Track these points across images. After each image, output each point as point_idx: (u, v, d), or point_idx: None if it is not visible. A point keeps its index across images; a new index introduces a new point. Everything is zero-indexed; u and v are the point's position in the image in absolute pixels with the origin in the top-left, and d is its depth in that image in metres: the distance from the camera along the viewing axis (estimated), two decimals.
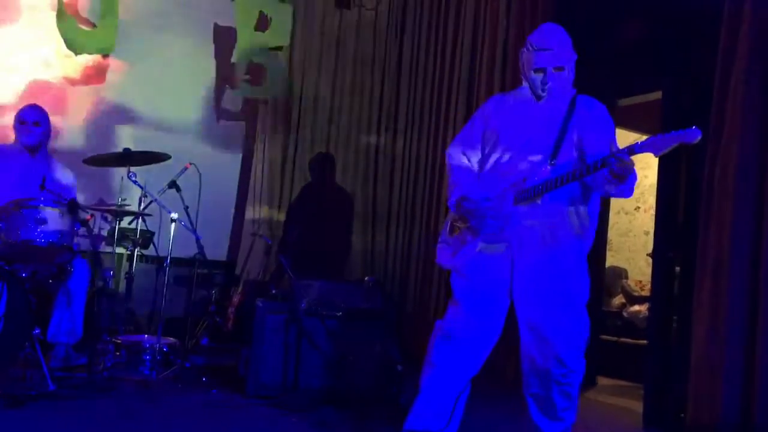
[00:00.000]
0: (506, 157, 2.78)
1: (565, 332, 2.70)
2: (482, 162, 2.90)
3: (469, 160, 2.95)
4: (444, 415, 2.75)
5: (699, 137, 2.32)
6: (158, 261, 5.38)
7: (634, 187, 2.62)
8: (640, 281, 6.81)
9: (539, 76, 2.75)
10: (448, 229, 2.94)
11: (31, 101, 4.37)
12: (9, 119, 4.51)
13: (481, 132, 2.93)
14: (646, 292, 6.47)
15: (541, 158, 2.71)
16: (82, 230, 3.75)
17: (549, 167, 2.66)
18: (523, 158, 2.74)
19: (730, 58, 3.61)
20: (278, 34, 6.21)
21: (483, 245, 2.77)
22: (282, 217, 6.29)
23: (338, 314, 3.81)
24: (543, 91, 2.76)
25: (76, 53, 5.33)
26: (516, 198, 2.70)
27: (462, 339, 2.77)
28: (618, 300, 6.70)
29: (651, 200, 7.15)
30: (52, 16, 5.23)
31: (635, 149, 2.41)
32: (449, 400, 2.78)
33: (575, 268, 2.76)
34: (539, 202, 2.65)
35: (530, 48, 2.78)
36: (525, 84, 2.86)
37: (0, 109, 5.11)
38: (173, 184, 4.25)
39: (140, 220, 4.43)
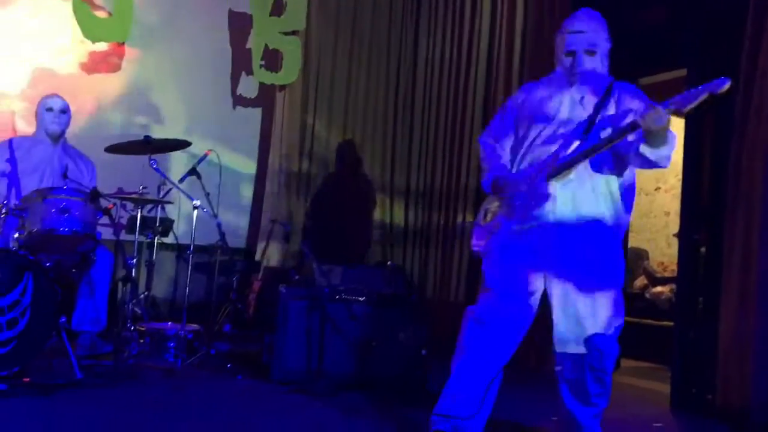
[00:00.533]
0: (539, 140, 2.75)
1: (600, 317, 2.65)
2: (516, 148, 2.87)
3: (502, 147, 2.94)
4: (475, 401, 2.70)
5: (728, 85, 2.29)
6: (179, 248, 5.41)
7: (671, 155, 2.56)
8: (662, 262, 6.75)
9: (569, 59, 2.74)
10: (482, 215, 2.90)
11: (47, 90, 4.37)
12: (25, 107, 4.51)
13: (512, 119, 2.91)
14: (668, 273, 6.43)
15: (573, 137, 2.68)
16: (104, 218, 3.74)
17: (580, 142, 2.64)
18: (556, 140, 2.71)
19: (758, 33, 3.53)
20: (294, 19, 6.18)
21: (517, 227, 2.73)
22: (300, 202, 6.27)
23: (361, 299, 3.80)
24: (573, 74, 2.74)
25: (92, 41, 5.32)
26: (548, 175, 2.66)
27: (494, 325, 2.72)
28: (640, 281, 6.65)
29: (671, 180, 7.07)
30: (68, 4, 5.22)
31: (666, 105, 2.37)
32: (480, 386, 2.72)
33: (611, 250, 2.70)
34: (572, 177, 2.63)
35: (563, 31, 2.78)
36: (558, 68, 2.82)
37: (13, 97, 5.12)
38: (194, 171, 4.24)
39: (160, 208, 4.44)
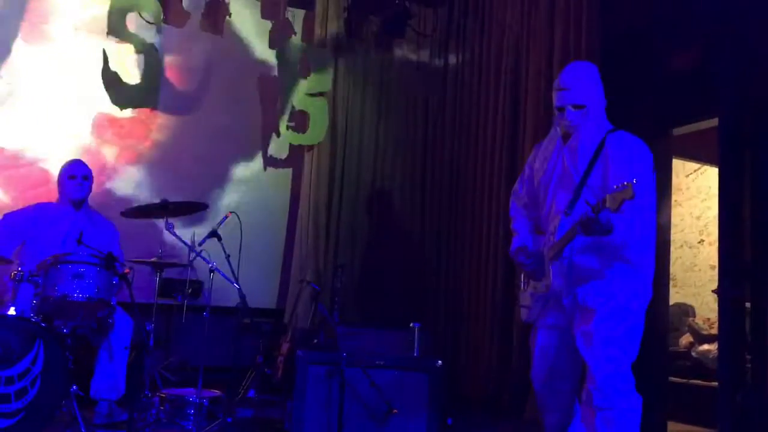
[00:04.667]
0: (546, 207, 2.93)
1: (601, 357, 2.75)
2: (539, 208, 3.02)
3: (525, 206, 3.11)
4: None
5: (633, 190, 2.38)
6: (204, 311, 5.35)
7: (615, 232, 2.64)
8: (709, 318, 6.43)
9: (561, 114, 2.84)
10: (522, 286, 3.09)
11: (81, 153, 4.42)
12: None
13: (529, 180, 3.08)
14: (715, 330, 6.09)
15: (562, 210, 2.82)
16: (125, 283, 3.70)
17: (565, 219, 2.76)
18: (556, 208, 2.85)
19: None
20: (320, 80, 6.23)
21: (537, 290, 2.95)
22: (329, 263, 6.19)
23: (381, 363, 3.64)
24: (566, 128, 2.84)
25: (121, 108, 5.43)
26: (548, 254, 2.85)
27: (543, 392, 2.97)
28: (685, 339, 6.32)
29: (716, 232, 6.78)
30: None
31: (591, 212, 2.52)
32: None
33: (614, 307, 2.77)
34: (564, 255, 2.78)
35: (554, 88, 2.89)
36: (555, 124, 2.95)
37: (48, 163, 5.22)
38: (214, 234, 4.20)
39: (190, 270, 4.40)
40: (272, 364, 5.43)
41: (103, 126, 5.53)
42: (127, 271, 3.56)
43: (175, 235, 3.81)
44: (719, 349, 4.29)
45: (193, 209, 4.06)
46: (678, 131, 5.11)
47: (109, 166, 5.53)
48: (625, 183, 2.41)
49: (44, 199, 4.48)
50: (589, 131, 2.81)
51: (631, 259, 2.76)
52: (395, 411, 3.53)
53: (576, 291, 2.82)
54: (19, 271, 3.32)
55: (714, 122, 4.48)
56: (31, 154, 5.25)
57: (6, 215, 4.14)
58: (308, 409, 3.63)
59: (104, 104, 5.45)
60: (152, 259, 3.96)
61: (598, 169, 2.77)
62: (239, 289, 4.01)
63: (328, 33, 6.33)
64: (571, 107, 2.80)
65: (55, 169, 4.85)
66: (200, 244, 4.04)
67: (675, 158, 5.64)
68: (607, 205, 2.46)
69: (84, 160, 4.51)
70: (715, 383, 5.07)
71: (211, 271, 3.89)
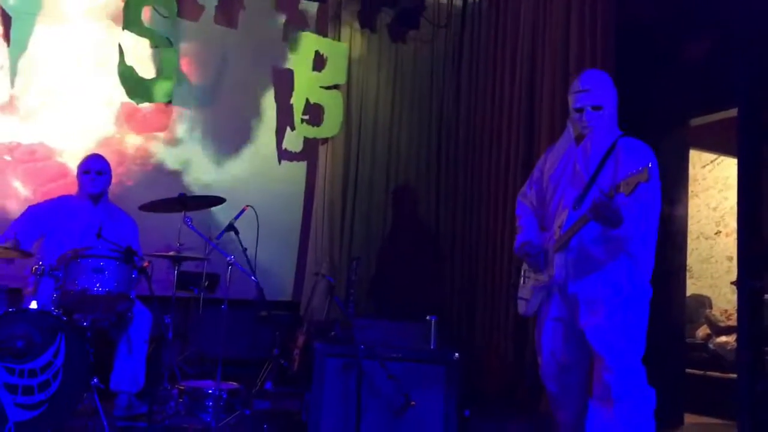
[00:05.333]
0: (553, 205, 3.05)
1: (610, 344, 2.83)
2: (546, 207, 3.13)
3: (532, 206, 3.24)
4: None
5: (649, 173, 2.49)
6: (222, 304, 5.38)
7: (631, 234, 2.77)
8: (726, 310, 6.40)
9: (578, 115, 2.99)
10: (521, 281, 3.21)
11: (99, 147, 4.45)
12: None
13: (538, 181, 3.21)
14: (732, 322, 6.06)
15: (570, 204, 2.94)
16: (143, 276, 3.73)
17: (573, 213, 2.88)
18: (564, 204, 2.97)
19: None
20: (334, 73, 6.22)
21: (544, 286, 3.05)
22: (344, 255, 6.20)
23: (398, 356, 3.66)
24: (583, 129, 2.99)
25: (137, 102, 5.46)
26: (554, 246, 2.95)
27: (555, 389, 3.08)
28: (702, 331, 6.30)
29: (732, 224, 6.75)
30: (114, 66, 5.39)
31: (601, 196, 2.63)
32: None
33: (620, 293, 2.86)
34: (570, 246, 2.89)
35: (571, 91, 3.04)
36: (569, 125, 3.09)
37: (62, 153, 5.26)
38: (231, 227, 4.22)
39: (206, 263, 4.43)
40: (288, 357, 5.46)
41: (121, 119, 5.56)
42: (146, 264, 3.59)
43: (193, 229, 3.84)
44: (738, 340, 4.28)
45: (210, 203, 4.09)
46: (695, 122, 5.08)
47: (127, 159, 5.56)
48: (640, 168, 2.49)
49: (63, 192, 4.54)
50: (603, 134, 2.95)
51: (634, 253, 2.83)
52: (413, 403, 3.54)
53: (581, 282, 2.88)
54: (40, 265, 3.36)
55: (730, 113, 4.45)
56: (51, 147, 5.29)
57: (30, 208, 4.20)
58: (326, 401, 3.64)
59: (123, 97, 5.48)
60: (170, 253, 3.99)
61: (608, 169, 2.88)
62: (257, 282, 4.04)
63: (342, 25, 6.33)
64: (590, 108, 2.95)
65: (72, 162, 4.93)
66: (217, 238, 4.07)
67: (692, 149, 5.61)
68: (621, 189, 2.53)
69: (102, 152, 4.56)
70: (733, 375, 5.06)
71: (229, 264, 3.91)
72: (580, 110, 2.97)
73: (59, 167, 5.29)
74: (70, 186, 4.80)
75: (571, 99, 3.02)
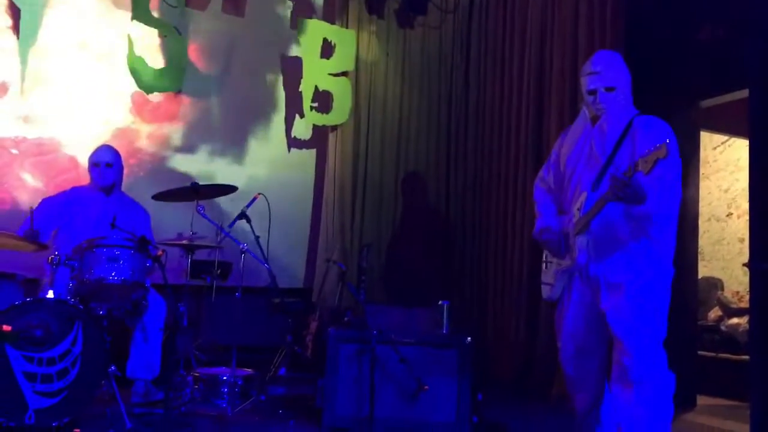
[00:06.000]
0: (571, 187, 3.05)
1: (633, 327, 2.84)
2: (564, 190, 3.13)
3: (550, 190, 3.24)
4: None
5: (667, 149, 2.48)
6: (235, 292, 5.43)
7: (656, 209, 2.76)
8: (738, 292, 6.40)
9: (592, 98, 2.98)
10: (544, 266, 3.20)
11: (108, 138, 4.47)
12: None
13: (555, 164, 3.21)
14: (744, 304, 6.07)
15: (589, 185, 2.93)
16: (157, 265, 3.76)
17: (591, 194, 2.87)
18: (582, 186, 2.96)
19: None
20: (343, 60, 6.22)
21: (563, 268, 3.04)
22: (355, 242, 6.23)
23: (411, 341, 3.69)
24: (597, 111, 2.98)
25: (147, 92, 5.48)
26: (575, 229, 2.94)
27: (574, 373, 3.08)
28: (714, 313, 6.30)
29: (744, 205, 6.73)
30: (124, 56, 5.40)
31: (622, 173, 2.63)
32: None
33: (640, 274, 2.85)
34: (591, 228, 2.88)
35: (583, 73, 3.04)
36: (583, 108, 3.08)
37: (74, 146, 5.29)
38: (243, 215, 4.25)
39: (218, 251, 4.45)
40: (301, 343, 5.50)
41: (131, 109, 5.58)
42: (160, 253, 3.62)
43: (205, 217, 3.87)
44: (750, 321, 4.28)
45: (222, 192, 4.12)
46: (705, 103, 5.06)
47: (138, 149, 5.59)
48: (658, 144, 2.47)
49: (75, 183, 4.57)
50: (618, 114, 2.94)
51: (654, 235, 2.82)
52: (426, 387, 3.57)
53: (603, 264, 2.88)
54: (56, 255, 3.40)
55: (741, 94, 4.43)
56: (59, 139, 5.32)
57: (44, 201, 4.23)
58: (340, 386, 3.70)
59: (133, 87, 5.50)
60: (183, 241, 4.02)
61: (626, 148, 2.86)
62: (270, 270, 4.07)
63: (349, 11, 6.32)
64: (603, 89, 2.93)
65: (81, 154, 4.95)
66: (230, 226, 4.10)
67: (702, 131, 5.59)
68: (640, 167, 2.52)
69: (113, 143, 4.59)
70: (745, 356, 5.07)
71: (242, 252, 3.94)
72: (593, 92, 2.96)
73: (69, 160, 5.31)
74: (81, 178, 4.84)
75: (583, 81, 3.01)
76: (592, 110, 3.00)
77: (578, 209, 2.91)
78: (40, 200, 4.27)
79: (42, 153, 5.26)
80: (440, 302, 3.95)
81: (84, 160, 4.50)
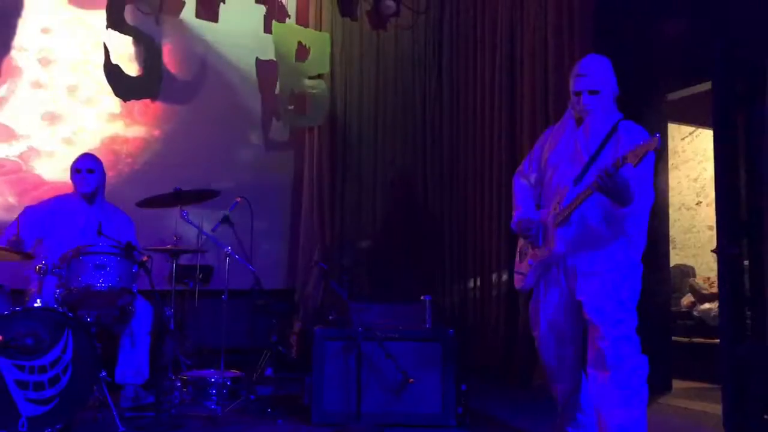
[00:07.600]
0: (552, 182, 3.15)
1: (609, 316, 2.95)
2: (543, 186, 3.23)
3: (530, 185, 3.32)
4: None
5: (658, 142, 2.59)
6: (218, 295, 5.47)
7: (631, 200, 2.81)
8: (708, 278, 6.57)
9: (577, 99, 3.10)
10: (518, 257, 3.28)
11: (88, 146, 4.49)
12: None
13: (538, 160, 3.30)
14: (715, 289, 6.23)
15: (571, 180, 3.03)
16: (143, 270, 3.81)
17: (573, 188, 2.97)
18: (563, 182, 3.06)
19: None
20: (318, 63, 6.30)
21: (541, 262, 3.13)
22: (336, 241, 6.30)
23: (396, 336, 3.78)
24: (581, 112, 3.10)
25: (124, 100, 5.51)
26: (555, 222, 3.03)
27: (552, 362, 3.18)
28: (687, 299, 6.48)
29: (713, 194, 6.89)
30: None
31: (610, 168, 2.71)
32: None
33: (618, 274, 2.97)
34: (570, 221, 2.98)
35: (572, 75, 3.15)
36: (569, 108, 3.19)
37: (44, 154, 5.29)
38: (226, 219, 4.30)
39: (200, 256, 4.50)
40: (286, 343, 5.57)
41: (109, 117, 5.60)
42: (145, 259, 3.67)
43: (190, 222, 3.92)
44: (719, 305, 4.41)
45: (204, 197, 4.17)
46: (672, 96, 5.21)
47: (117, 156, 5.61)
48: (648, 139, 2.60)
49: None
50: (602, 116, 3.05)
51: (630, 231, 2.96)
52: (412, 380, 3.67)
53: (580, 255, 3.00)
54: (43, 264, 3.43)
55: (706, 86, 4.57)
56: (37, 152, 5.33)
57: (27, 209, 4.24)
58: (327, 383, 3.78)
59: (110, 95, 5.52)
60: (167, 247, 4.07)
61: (609, 149, 2.97)
62: (254, 272, 4.13)
63: (323, 14, 6.39)
64: (587, 92, 3.06)
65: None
66: (213, 230, 4.15)
67: (670, 123, 5.75)
68: (629, 160, 2.62)
69: (92, 152, 4.62)
70: (717, 340, 5.23)
71: (227, 255, 4.00)
72: (578, 94, 3.08)
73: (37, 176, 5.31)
74: (52, 192, 4.85)
75: (570, 83, 3.13)
76: (577, 111, 3.12)
77: (558, 203, 3.01)
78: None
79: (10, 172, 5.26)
80: (422, 297, 4.05)
81: (57, 174, 4.51)
